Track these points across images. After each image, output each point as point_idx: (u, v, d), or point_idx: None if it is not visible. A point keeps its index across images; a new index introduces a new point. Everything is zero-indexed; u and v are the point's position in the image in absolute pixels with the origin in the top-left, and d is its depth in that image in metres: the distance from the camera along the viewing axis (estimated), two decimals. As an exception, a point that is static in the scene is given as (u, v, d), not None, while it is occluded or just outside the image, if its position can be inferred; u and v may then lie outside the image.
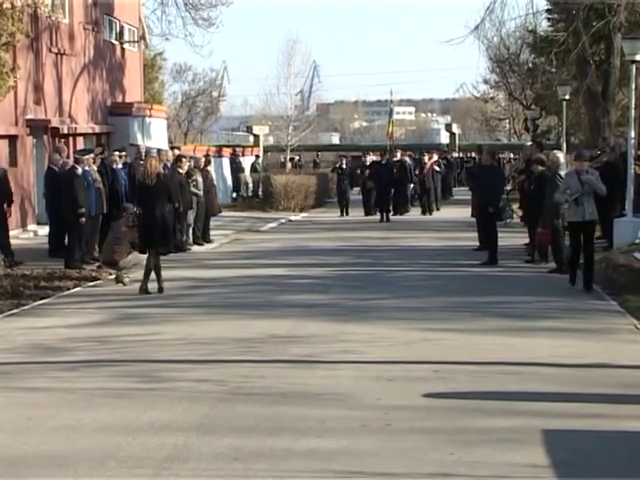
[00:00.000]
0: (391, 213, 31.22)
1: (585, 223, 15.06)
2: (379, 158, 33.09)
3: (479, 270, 17.98)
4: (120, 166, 20.85)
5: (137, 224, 15.75)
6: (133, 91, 36.12)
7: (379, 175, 31.05)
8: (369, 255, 21.02)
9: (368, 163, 33.34)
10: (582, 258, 15.24)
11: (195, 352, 10.71)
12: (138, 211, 15.52)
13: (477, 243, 20.96)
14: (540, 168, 18.50)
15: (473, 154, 57.34)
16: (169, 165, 21.38)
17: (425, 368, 9.83)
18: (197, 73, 67.35)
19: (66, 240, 19.04)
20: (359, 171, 36.49)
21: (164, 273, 15.39)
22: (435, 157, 35.86)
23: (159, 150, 22.60)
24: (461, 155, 58.35)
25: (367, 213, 32.53)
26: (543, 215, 17.98)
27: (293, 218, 32.92)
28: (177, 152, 23.26)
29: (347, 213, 33.29)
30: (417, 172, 34.11)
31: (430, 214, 33.20)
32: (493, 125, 77.37)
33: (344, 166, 34.74)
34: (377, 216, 31.07)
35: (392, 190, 31.10)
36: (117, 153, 20.66)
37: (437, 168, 35.18)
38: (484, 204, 19.17)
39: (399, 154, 34.23)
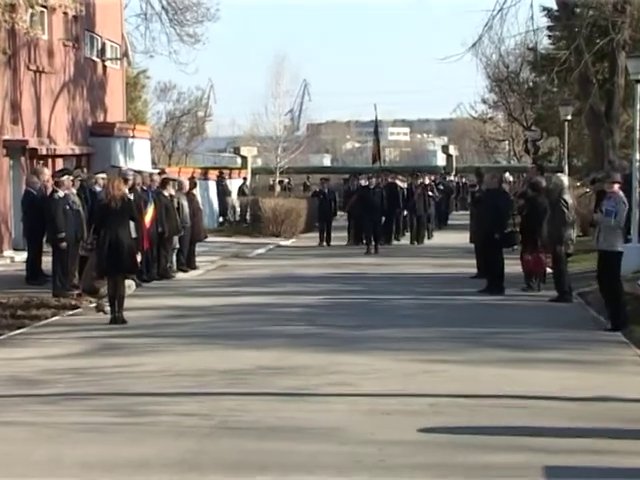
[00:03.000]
0: (381, 243, 29.41)
1: (600, 252, 14.66)
2: (366, 182, 30.89)
3: (477, 299, 18.01)
4: (100, 189, 20.82)
5: (96, 248, 15.69)
6: (115, 110, 36.20)
7: (367, 201, 29.38)
8: (362, 283, 21.04)
9: (355, 187, 31.61)
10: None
11: (179, 384, 10.70)
12: (103, 233, 15.36)
13: (475, 270, 21.02)
14: (532, 192, 18.56)
15: (462, 178, 56.58)
16: (152, 188, 21.39)
17: (421, 401, 9.84)
18: (182, 92, 67.54)
19: (43, 266, 19.01)
20: (344, 196, 34.81)
21: (146, 301, 15.36)
22: (427, 180, 34.77)
23: (120, 170, 22.57)
24: (457, 179, 57.23)
25: (352, 243, 31.42)
26: (544, 241, 18.03)
27: (282, 244, 32.93)
28: (164, 175, 23.22)
29: (328, 243, 32.03)
30: (407, 197, 32.56)
31: (420, 243, 32.14)
32: (492, 146, 77.66)
33: (326, 190, 33.59)
34: (359, 246, 29.94)
35: (382, 217, 29.52)
36: (98, 175, 20.64)
37: (430, 193, 34.08)
38: (489, 230, 19.01)
39: (388, 177, 32.67)
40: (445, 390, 10.28)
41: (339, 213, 36.59)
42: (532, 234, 18.46)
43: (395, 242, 32.48)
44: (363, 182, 31.40)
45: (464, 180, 55.19)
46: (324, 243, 32.09)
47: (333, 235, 32.65)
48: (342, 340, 13.58)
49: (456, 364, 11.76)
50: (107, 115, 35.19)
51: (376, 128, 43.91)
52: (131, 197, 16.86)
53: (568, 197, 17.65)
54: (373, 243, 28.96)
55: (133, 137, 34.90)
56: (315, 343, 13.31)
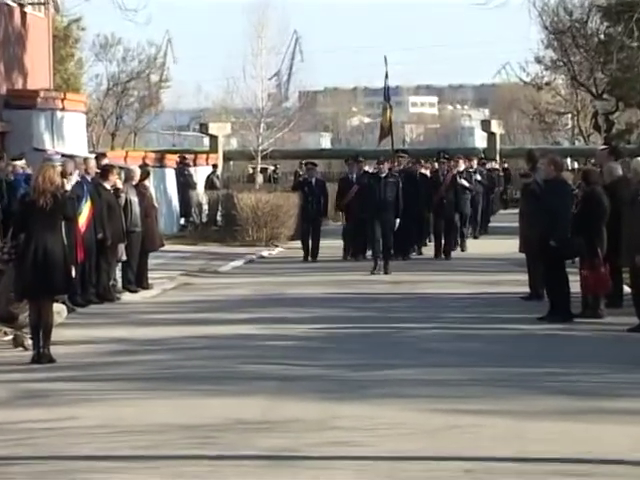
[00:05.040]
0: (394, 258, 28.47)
1: None
2: (374, 168, 29.74)
3: (529, 328, 18.07)
4: (14, 178, 20.86)
5: (15, 260, 15.72)
6: (38, 74, 36.25)
7: (374, 195, 27.69)
8: (373, 307, 21.10)
9: (356, 175, 30.67)
10: None
11: (126, 445, 10.72)
12: (25, 240, 15.38)
13: (527, 289, 21.10)
14: (586, 185, 18.68)
15: (493, 164, 55.13)
16: (89, 179, 21.43)
17: (453, 466, 9.89)
18: (129, 49, 67.85)
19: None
20: (339, 188, 32.74)
21: (81, 332, 15.32)
22: (462, 166, 33.86)
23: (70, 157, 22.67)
24: (494, 166, 55.12)
25: (347, 255, 30.85)
26: (623, 250, 18.12)
27: (266, 254, 33.01)
28: (105, 161, 23.25)
29: (315, 255, 31.05)
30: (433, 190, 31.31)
31: (448, 257, 30.97)
32: (549, 122, 77.79)
33: (313, 180, 32.14)
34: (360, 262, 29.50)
35: (396, 220, 27.69)
36: (16, 163, 20.73)
37: (465, 183, 33.09)
38: (544, 235, 18.99)
39: (404, 161, 31.86)
40: (484, 451, 10.33)
41: (338, 213, 36.18)
42: (589, 241, 18.53)
43: (415, 255, 31.68)
44: (368, 168, 30.97)
45: (489, 165, 53.30)
46: (308, 258, 31.04)
47: (325, 243, 31.96)
48: (347, 384, 13.64)
49: (499, 416, 11.82)
50: (27, 80, 35.23)
51: (386, 91, 42.28)
52: (68, 187, 16.90)
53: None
54: (384, 257, 27.59)
55: (63, 109, 34.92)
56: (311, 389, 13.37)
